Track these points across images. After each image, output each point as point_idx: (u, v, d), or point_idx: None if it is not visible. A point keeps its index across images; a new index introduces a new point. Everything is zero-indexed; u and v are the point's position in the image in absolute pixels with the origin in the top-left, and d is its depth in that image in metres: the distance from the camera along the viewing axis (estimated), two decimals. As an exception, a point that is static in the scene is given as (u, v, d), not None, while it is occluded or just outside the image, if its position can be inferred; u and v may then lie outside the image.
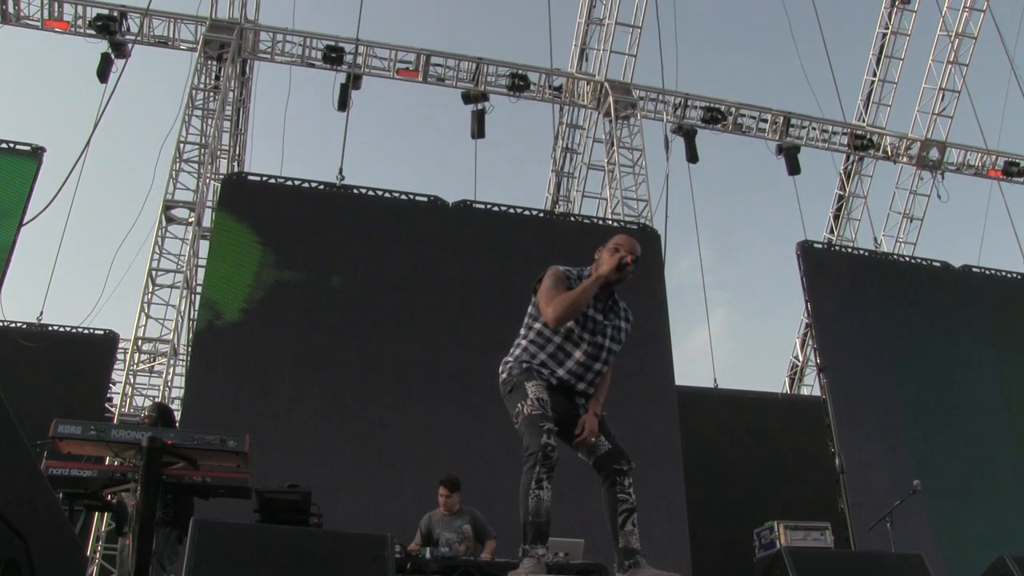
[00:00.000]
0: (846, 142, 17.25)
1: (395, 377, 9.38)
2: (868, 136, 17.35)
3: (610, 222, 13.30)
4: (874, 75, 17.75)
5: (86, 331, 13.92)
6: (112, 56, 14.66)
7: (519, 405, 4.11)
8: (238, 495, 5.22)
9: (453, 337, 9.66)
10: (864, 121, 17.63)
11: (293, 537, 3.88)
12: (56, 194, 10.48)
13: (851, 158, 18.15)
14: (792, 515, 10.21)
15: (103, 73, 14.61)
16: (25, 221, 9.64)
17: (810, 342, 16.83)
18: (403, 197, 10.43)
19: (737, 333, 38.67)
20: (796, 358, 18.92)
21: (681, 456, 9.78)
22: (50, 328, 13.89)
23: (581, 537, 7.14)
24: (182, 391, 12.99)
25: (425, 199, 10.45)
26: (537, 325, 4.32)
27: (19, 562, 1.44)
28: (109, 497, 5.32)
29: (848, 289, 12.11)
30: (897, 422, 10.74)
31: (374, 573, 3.59)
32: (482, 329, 9.47)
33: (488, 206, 10.69)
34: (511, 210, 10.74)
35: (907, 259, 13.90)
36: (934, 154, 17.57)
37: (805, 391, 18.39)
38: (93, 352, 13.59)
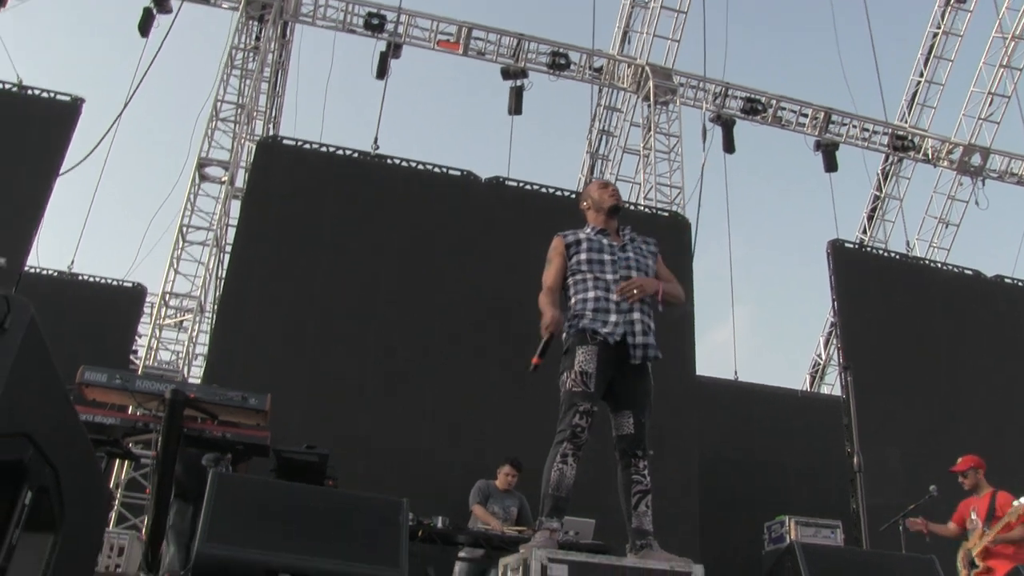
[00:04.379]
0: (886, 142, 17.04)
1: (419, 345, 9.42)
2: (909, 137, 17.13)
3: (642, 207, 13.24)
4: (921, 75, 17.45)
5: (115, 283, 14.06)
6: (154, 11, 14.70)
7: (564, 374, 4.19)
8: (256, 453, 5.28)
9: (478, 308, 9.67)
10: (906, 122, 17.38)
11: (310, 495, 3.91)
12: (95, 147, 10.57)
13: (890, 158, 17.92)
14: (803, 512, 10.21)
15: (144, 27, 14.65)
16: (62, 171, 9.70)
17: (834, 341, 16.71)
18: (436, 169, 10.42)
19: (761, 329, 38.49)
20: (819, 356, 18.81)
21: (697, 445, 9.77)
22: (80, 278, 14.03)
23: (593, 518, 7.19)
24: (206, 348, 13.12)
25: (458, 173, 10.44)
26: (570, 280, 4.39)
27: (49, 489, 1.47)
28: (130, 445, 5.39)
29: (877, 291, 11.99)
30: (918, 428, 10.66)
31: (388, 537, 3.61)
32: (508, 302, 9.48)
33: (521, 184, 10.67)
34: (544, 189, 10.72)
35: (939, 265, 13.72)
36: (976, 160, 17.31)
37: (825, 390, 18.29)
38: (121, 304, 13.71)
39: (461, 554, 7.26)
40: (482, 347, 9.50)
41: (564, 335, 4.32)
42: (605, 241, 4.43)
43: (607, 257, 4.36)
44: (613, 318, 4.19)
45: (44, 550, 1.56)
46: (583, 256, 4.37)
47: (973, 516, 6.88)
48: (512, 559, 4.07)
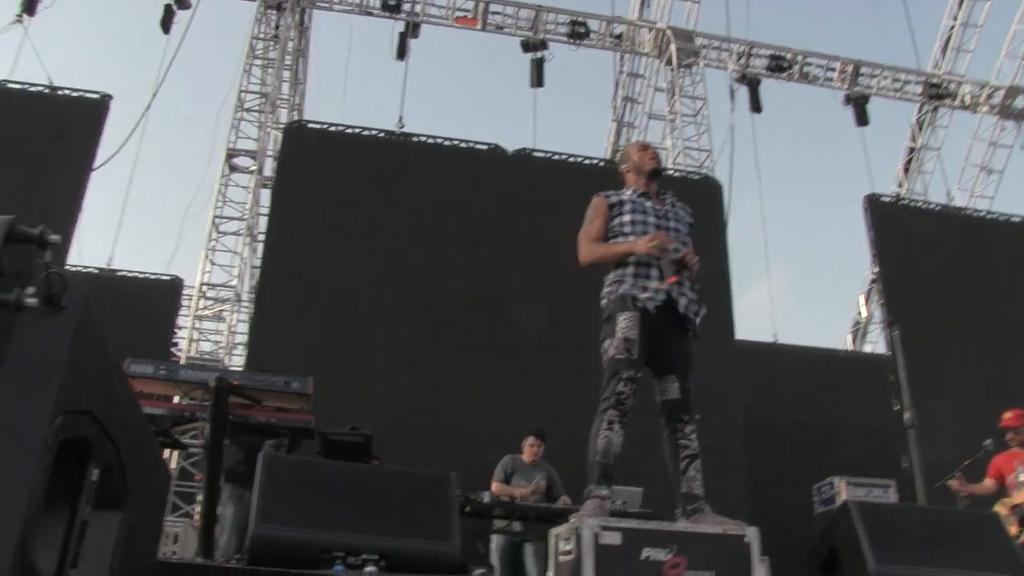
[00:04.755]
0: (920, 91, 16.67)
1: (457, 323, 9.42)
2: (945, 84, 16.73)
3: (671, 172, 13.12)
4: (955, 19, 16.89)
5: (153, 276, 14.17)
6: (174, 7, 14.76)
7: (607, 342, 4.16)
8: (301, 436, 5.33)
9: (513, 283, 9.64)
10: (940, 69, 16.96)
11: (358, 473, 3.93)
12: (125, 141, 10.65)
13: (924, 108, 17.51)
14: (851, 472, 10.10)
15: (166, 24, 14.73)
16: (94, 167, 9.80)
17: (875, 298, 16.49)
18: (463, 145, 10.39)
19: (797, 290, 38.15)
20: (859, 315, 18.59)
21: (741, 409, 9.71)
22: (119, 273, 14.14)
23: (640, 487, 7.17)
24: (246, 337, 13.22)
25: (485, 147, 10.41)
26: (609, 243, 4.34)
27: (113, 467, 1.47)
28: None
29: (918, 244, 11.73)
30: (967, 382, 10.46)
31: (439, 511, 3.61)
32: (542, 275, 9.47)
33: (548, 154, 10.61)
34: (571, 158, 10.65)
35: (983, 214, 13.40)
36: (1020, 102, 16.82)
37: (868, 348, 18.08)
38: (159, 297, 13.77)
39: (497, 527, 7.31)
40: (519, 319, 9.48)
41: (603, 301, 4.30)
42: (648, 204, 4.38)
43: (651, 219, 4.32)
44: (654, 284, 4.16)
45: (113, 527, 1.57)
46: (626, 218, 4.32)
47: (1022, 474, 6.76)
48: (563, 529, 4.05)
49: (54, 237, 1.19)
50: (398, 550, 3.42)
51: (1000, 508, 6.70)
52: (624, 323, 4.10)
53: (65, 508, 1.37)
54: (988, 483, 6.99)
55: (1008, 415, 6.98)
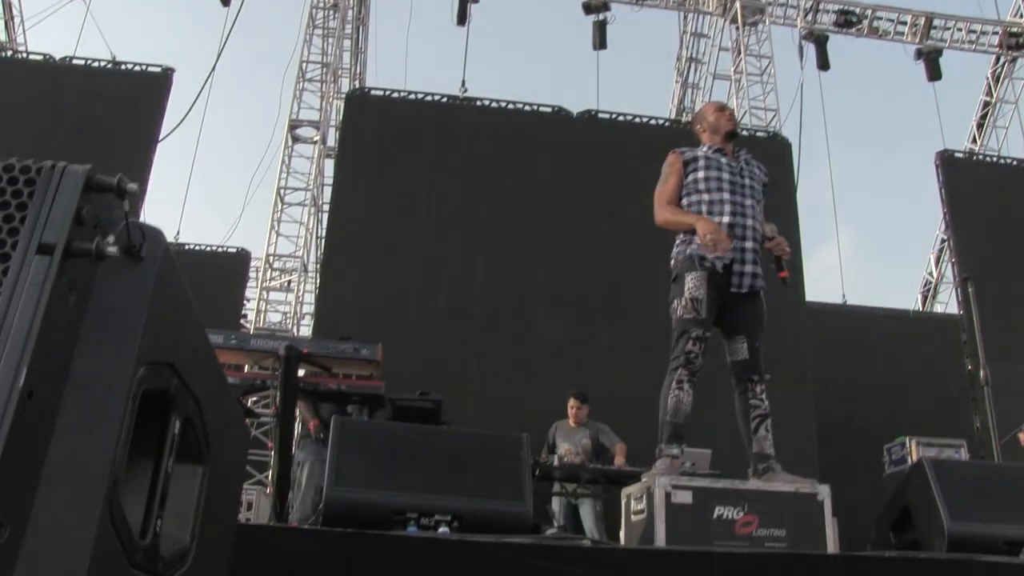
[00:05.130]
0: (997, 42, 16.07)
1: (522, 286, 9.42)
2: (1025, 32, 16.08)
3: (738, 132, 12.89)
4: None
5: (220, 249, 14.40)
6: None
7: (675, 302, 4.15)
8: (372, 403, 5.39)
9: (579, 246, 9.61)
10: (1021, 17, 16.32)
11: (430, 436, 3.96)
12: (187, 112, 10.79)
13: (1001, 59, 16.88)
14: (921, 433, 9.96)
15: (224, -4, 14.79)
16: (160, 138, 9.98)
17: (946, 258, 16.10)
18: (527, 108, 10.34)
19: (866, 251, 37.42)
20: (930, 275, 18.16)
21: (811, 370, 9.60)
22: (187, 247, 14.40)
23: (708, 448, 7.15)
24: (312, 307, 13.40)
25: (549, 109, 10.34)
26: (684, 203, 4.30)
27: (194, 421, 1.49)
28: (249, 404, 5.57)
29: (992, 201, 11.44)
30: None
31: (511, 472, 3.62)
32: (609, 237, 9.42)
33: (613, 116, 10.51)
34: (637, 119, 10.55)
35: (1060, 168, 12.96)
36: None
37: (938, 309, 17.69)
38: (227, 270, 14.00)
39: (555, 489, 7.37)
40: (585, 283, 9.45)
41: (672, 261, 4.27)
42: (724, 160, 4.32)
43: (726, 176, 4.26)
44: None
45: (195, 480, 1.59)
46: (700, 174, 4.28)
47: None
48: (635, 488, 4.06)
49: (132, 186, 1.20)
50: (471, 511, 3.44)
51: None
52: (692, 283, 4.08)
53: (149, 460, 1.39)
54: None
55: None
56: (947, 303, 17.30)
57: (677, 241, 4.27)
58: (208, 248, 14.27)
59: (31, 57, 10.60)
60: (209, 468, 1.60)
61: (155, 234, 1.31)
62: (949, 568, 3.23)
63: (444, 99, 10.29)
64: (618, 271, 9.40)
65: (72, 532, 1.13)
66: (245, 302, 15.24)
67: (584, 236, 9.63)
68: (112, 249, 1.18)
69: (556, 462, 7.19)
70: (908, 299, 18.45)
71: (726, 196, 4.21)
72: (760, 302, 4.23)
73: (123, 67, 10.43)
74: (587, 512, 7.37)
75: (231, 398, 1.95)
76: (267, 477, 10.42)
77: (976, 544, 3.48)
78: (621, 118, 10.49)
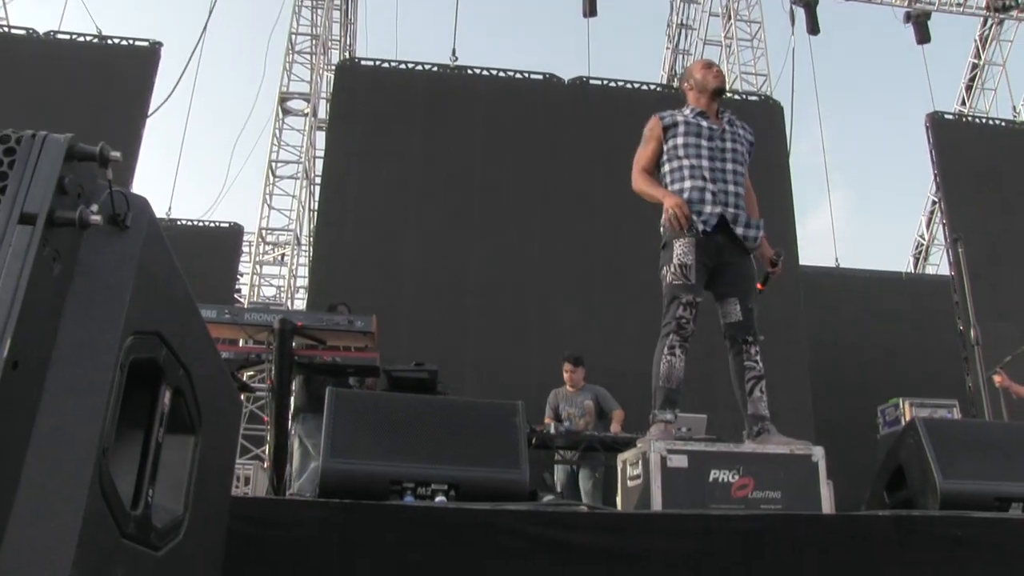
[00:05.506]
0: (984, 4, 15.99)
1: (516, 254, 9.43)
2: (1012, -7, 15.97)
3: (731, 96, 12.86)
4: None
5: (212, 224, 14.34)
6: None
7: (664, 269, 4.17)
8: (367, 374, 5.39)
9: (572, 212, 9.60)
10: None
11: (425, 405, 3.95)
12: (175, 86, 10.69)
13: (989, 22, 16.81)
14: (915, 394, 10.02)
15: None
16: (148, 113, 9.89)
17: (937, 219, 16.12)
18: (518, 75, 10.30)
19: (858, 215, 37.42)
20: (921, 237, 18.16)
21: (805, 335, 9.64)
22: (178, 222, 14.33)
23: (704, 413, 7.19)
24: (306, 280, 13.37)
25: (540, 76, 10.30)
26: (665, 168, 4.30)
27: (184, 392, 1.48)
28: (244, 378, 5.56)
29: (982, 162, 11.49)
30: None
31: (507, 440, 3.62)
32: (602, 202, 9.41)
33: (605, 82, 10.47)
34: (628, 85, 10.50)
35: (1050, 127, 12.99)
36: (1092, 9, 16.05)
37: (930, 271, 17.73)
38: (220, 244, 13.97)
39: (557, 457, 7.40)
40: (580, 252, 9.46)
41: (662, 228, 4.27)
42: (704, 124, 4.30)
43: (704, 143, 4.25)
44: (708, 208, 4.12)
45: (187, 451, 1.59)
46: (680, 140, 4.26)
47: None
48: (630, 454, 4.07)
49: (115, 154, 1.18)
50: (467, 479, 3.44)
51: None
52: (680, 249, 4.08)
53: (140, 431, 1.38)
54: None
55: None
56: (939, 264, 17.33)
57: (664, 208, 4.27)
58: (200, 223, 14.22)
59: (13, 31, 10.43)
60: (201, 438, 1.59)
61: (140, 203, 1.30)
62: (942, 525, 3.25)
63: (435, 68, 10.24)
64: (611, 237, 9.40)
65: (61, 502, 1.12)
66: (239, 277, 15.20)
67: (577, 202, 9.63)
68: (96, 218, 1.17)
69: (553, 429, 7.20)
70: (900, 261, 18.48)
71: (705, 163, 4.20)
72: (750, 263, 4.25)
73: (110, 41, 10.32)
74: (585, 479, 7.42)
75: (222, 368, 1.94)
76: (264, 452, 10.46)
77: (968, 501, 3.51)
78: (612, 84, 10.46)
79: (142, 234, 1.29)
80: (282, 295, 15.53)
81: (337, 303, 7.17)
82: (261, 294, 15.38)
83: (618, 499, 4.30)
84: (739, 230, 4.15)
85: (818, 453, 3.86)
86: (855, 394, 10.99)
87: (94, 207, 1.19)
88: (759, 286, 4.34)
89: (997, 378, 6.77)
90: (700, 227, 4.08)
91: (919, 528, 3.23)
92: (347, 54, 15.98)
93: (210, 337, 1.76)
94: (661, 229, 4.27)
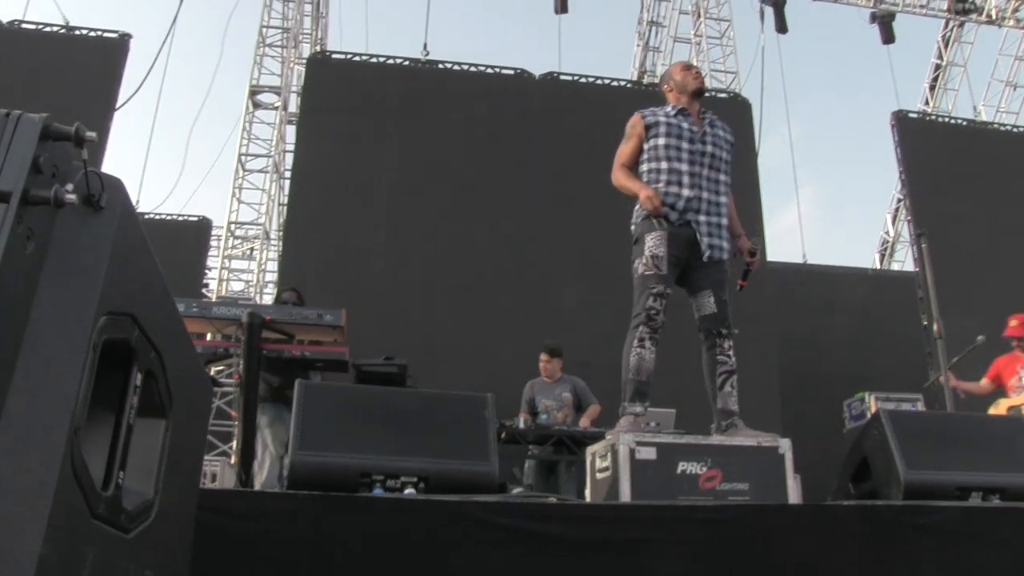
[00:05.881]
0: (946, 6, 16.21)
1: (487, 247, 9.44)
2: (971, -1, 16.24)
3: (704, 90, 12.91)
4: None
5: (180, 218, 14.21)
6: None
7: (636, 262, 4.20)
8: (336, 368, 5.36)
9: (544, 205, 9.62)
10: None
11: (395, 397, 3.95)
12: (144, 78, 10.57)
13: (950, 24, 17.06)
14: (881, 388, 10.13)
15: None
16: (116, 107, 9.77)
17: (902, 216, 16.32)
18: (489, 70, 10.30)
19: (825, 212, 37.79)
20: (887, 234, 18.39)
21: (774, 330, 9.72)
22: (147, 216, 14.18)
23: (672, 408, 7.21)
24: (275, 275, 13.30)
25: (511, 72, 10.31)
26: (644, 167, 4.32)
27: (156, 374, 1.48)
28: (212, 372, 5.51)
29: (946, 160, 11.69)
30: (996, 297, 10.40)
31: (476, 432, 3.63)
32: (572, 198, 9.44)
33: (576, 78, 10.50)
34: (599, 81, 10.54)
35: (1009, 128, 13.24)
36: (1047, 15, 16.36)
37: (896, 267, 17.96)
38: (188, 239, 13.84)
39: (531, 452, 7.38)
40: (550, 246, 9.48)
41: (632, 226, 4.30)
42: (685, 125, 4.32)
43: (685, 145, 4.27)
44: (682, 204, 4.16)
45: (158, 434, 1.59)
46: (661, 141, 4.28)
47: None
48: (599, 446, 4.10)
49: (90, 134, 1.18)
50: (436, 471, 3.44)
51: (995, 409, 6.76)
52: (652, 241, 4.12)
53: (111, 413, 1.38)
54: (984, 383, 7.09)
55: (1013, 323, 7.00)
56: (904, 261, 17.56)
57: (637, 205, 4.29)
58: (168, 217, 14.08)
59: (-27, 20, 10.24)
60: (172, 422, 1.59)
61: (115, 183, 1.30)
62: (904, 514, 3.31)
63: (406, 63, 10.22)
64: (583, 230, 9.41)
65: (32, 480, 1.12)
66: (207, 271, 15.09)
67: (548, 196, 9.64)
68: (71, 197, 1.17)
69: (522, 423, 7.17)
70: (866, 258, 18.70)
71: (684, 167, 4.23)
72: (723, 268, 4.29)
73: (77, 32, 10.18)
74: (560, 473, 7.39)
75: (194, 354, 1.94)
76: (231, 447, 10.38)
77: (930, 491, 3.57)
78: (583, 80, 10.49)
79: (116, 215, 1.29)
80: (250, 290, 15.44)
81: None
82: (229, 288, 15.29)
83: (587, 491, 4.32)
84: (704, 240, 4.18)
85: (785, 445, 3.91)
86: (823, 388, 11.10)
87: (69, 186, 1.19)
88: (740, 282, 4.41)
89: (952, 381, 6.86)
90: (674, 217, 4.13)
91: (883, 517, 3.29)
92: (318, 48, 15.91)
93: (182, 322, 1.76)
94: (632, 227, 4.30)
